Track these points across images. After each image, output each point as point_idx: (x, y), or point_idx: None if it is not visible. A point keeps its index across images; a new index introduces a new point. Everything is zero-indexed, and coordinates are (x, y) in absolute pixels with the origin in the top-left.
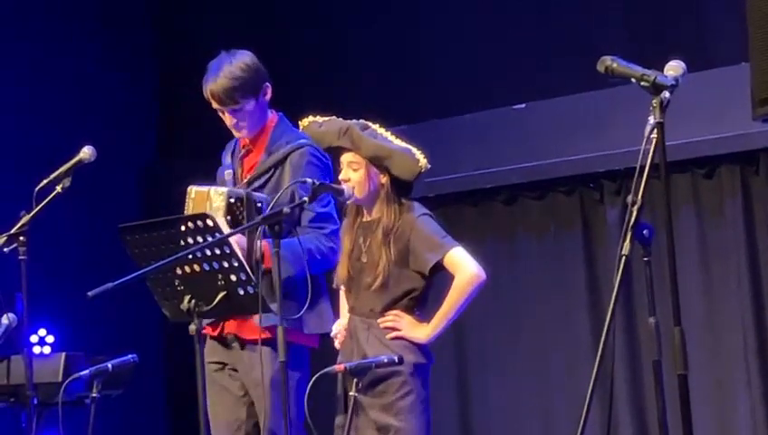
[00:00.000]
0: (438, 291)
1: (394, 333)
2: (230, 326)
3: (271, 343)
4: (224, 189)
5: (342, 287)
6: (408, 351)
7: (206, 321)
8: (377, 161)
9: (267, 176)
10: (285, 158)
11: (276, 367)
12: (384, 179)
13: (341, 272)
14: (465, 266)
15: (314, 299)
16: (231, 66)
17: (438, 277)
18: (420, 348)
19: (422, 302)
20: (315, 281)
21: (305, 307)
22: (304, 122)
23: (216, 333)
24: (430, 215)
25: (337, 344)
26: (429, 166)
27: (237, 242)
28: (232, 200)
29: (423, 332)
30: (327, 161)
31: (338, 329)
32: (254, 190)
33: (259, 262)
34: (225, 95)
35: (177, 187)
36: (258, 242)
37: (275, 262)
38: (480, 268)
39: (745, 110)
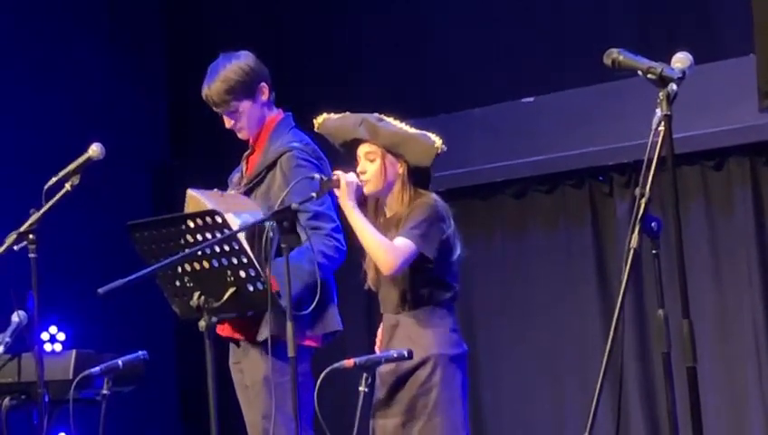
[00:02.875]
0: (465, 290)
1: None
2: (224, 331)
3: (263, 343)
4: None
5: (374, 289)
6: (434, 343)
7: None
8: (393, 148)
9: (260, 178)
10: (275, 161)
11: (266, 368)
12: (401, 169)
13: (370, 275)
14: (397, 252)
15: (319, 301)
16: (225, 70)
17: (464, 277)
18: (449, 338)
19: (437, 297)
20: (324, 285)
21: (311, 307)
22: (319, 120)
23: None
24: (438, 207)
25: (376, 347)
26: (445, 148)
27: None
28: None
29: (348, 202)
30: (318, 162)
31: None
32: (249, 190)
33: (269, 255)
34: (218, 99)
35: (189, 185)
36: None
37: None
38: (396, 264)
39: (754, 101)
